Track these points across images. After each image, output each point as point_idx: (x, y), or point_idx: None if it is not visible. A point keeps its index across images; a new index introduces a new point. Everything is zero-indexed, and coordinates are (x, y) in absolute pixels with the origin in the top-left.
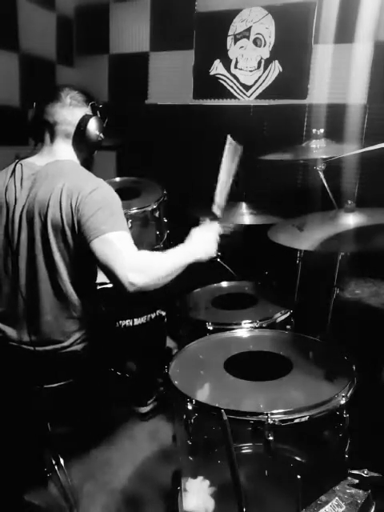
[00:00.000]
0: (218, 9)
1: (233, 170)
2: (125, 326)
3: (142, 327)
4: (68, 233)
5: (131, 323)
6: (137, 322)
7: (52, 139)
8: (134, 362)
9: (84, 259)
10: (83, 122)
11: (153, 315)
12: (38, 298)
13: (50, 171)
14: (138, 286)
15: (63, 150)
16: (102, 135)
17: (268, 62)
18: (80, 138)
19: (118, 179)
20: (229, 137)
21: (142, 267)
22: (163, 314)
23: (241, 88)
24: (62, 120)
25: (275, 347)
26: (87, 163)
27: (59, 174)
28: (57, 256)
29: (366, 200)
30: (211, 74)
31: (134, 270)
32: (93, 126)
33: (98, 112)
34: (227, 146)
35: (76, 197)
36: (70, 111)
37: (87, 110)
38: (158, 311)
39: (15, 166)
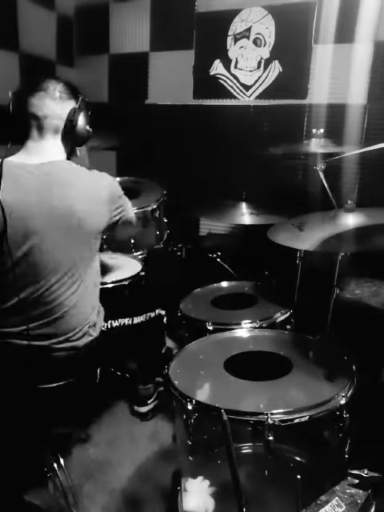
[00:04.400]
0: (218, 9)
1: None
2: (123, 324)
3: (141, 326)
4: (96, 239)
5: (130, 322)
6: (136, 320)
7: (40, 134)
8: (134, 362)
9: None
10: (74, 117)
11: (152, 314)
12: (38, 299)
13: (54, 174)
14: None
15: (53, 148)
16: (90, 129)
17: (268, 62)
18: (70, 132)
19: (118, 179)
20: None
21: None
22: (162, 313)
23: (241, 88)
24: (51, 114)
25: (275, 347)
26: (69, 156)
27: (67, 183)
28: (74, 255)
29: (366, 200)
30: (211, 74)
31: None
32: (83, 120)
33: (84, 105)
34: None
35: (100, 205)
36: (59, 105)
37: (74, 104)
38: (157, 310)
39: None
